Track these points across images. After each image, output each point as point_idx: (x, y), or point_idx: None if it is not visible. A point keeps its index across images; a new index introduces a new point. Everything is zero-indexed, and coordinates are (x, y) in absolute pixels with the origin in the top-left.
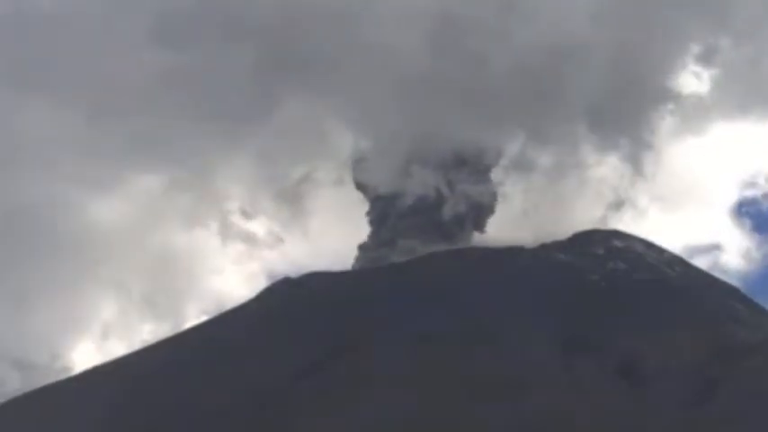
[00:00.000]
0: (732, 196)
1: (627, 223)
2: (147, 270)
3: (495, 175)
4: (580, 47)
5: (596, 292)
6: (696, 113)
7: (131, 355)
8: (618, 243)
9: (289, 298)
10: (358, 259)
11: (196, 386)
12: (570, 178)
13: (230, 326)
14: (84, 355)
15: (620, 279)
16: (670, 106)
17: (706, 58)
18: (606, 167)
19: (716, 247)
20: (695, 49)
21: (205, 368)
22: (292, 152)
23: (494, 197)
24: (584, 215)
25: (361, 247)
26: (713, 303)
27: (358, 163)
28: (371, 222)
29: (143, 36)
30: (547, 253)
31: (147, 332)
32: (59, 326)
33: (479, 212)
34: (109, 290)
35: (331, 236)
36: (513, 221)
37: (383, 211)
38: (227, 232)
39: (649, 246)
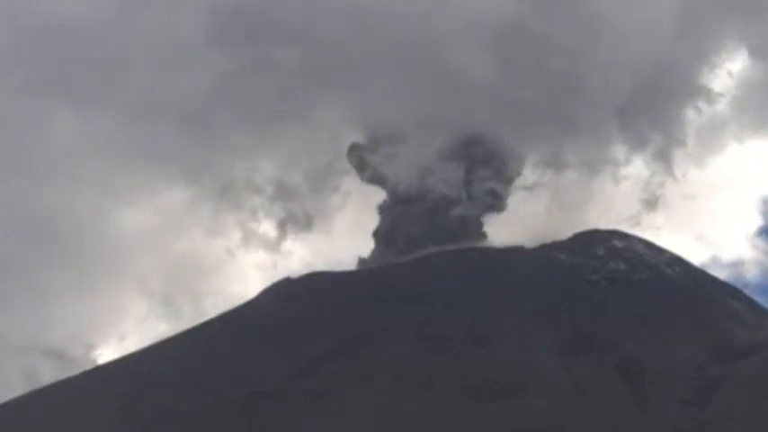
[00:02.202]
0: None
1: (645, 230)
2: (170, 274)
3: (524, 177)
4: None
5: (596, 292)
6: (725, 115)
7: (131, 355)
8: (618, 243)
9: (289, 298)
10: (366, 260)
11: (196, 386)
12: (601, 176)
13: (230, 326)
14: (112, 350)
15: (620, 279)
16: (701, 103)
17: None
18: (636, 166)
19: (739, 263)
20: (730, 46)
21: (205, 368)
22: (317, 157)
23: (505, 201)
24: (615, 215)
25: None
26: (713, 303)
27: (383, 159)
28: (383, 221)
29: (170, 49)
30: (547, 253)
31: (167, 332)
32: (90, 322)
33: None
34: (133, 291)
35: (356, 243)
36: (528, 222)
37: (396, 210)
38: (249, 238)
39: (649, 246)
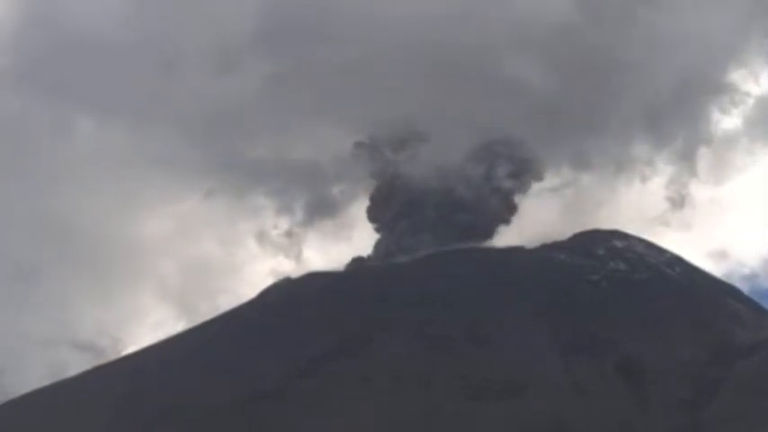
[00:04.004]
0: None
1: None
2: (189, 277)
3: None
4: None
5: (596, 292)
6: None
7: (131, 355)
8: (618, 243)
9: (289, 298)
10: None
11: (196, 385)
12: (625, 177)
13: (230, 326)
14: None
15: (620, 279)
16: (726, 102)
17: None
18: (660, 167)
19: (753, 277)
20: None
21: (205, 368)
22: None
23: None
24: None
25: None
26: (713, 303)
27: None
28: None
29: (185, 60)
30: (547, 253)
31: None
32: (112, 321)
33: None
34: (152, 293)
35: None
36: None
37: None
38: (264, 242)
39: (650, 246)
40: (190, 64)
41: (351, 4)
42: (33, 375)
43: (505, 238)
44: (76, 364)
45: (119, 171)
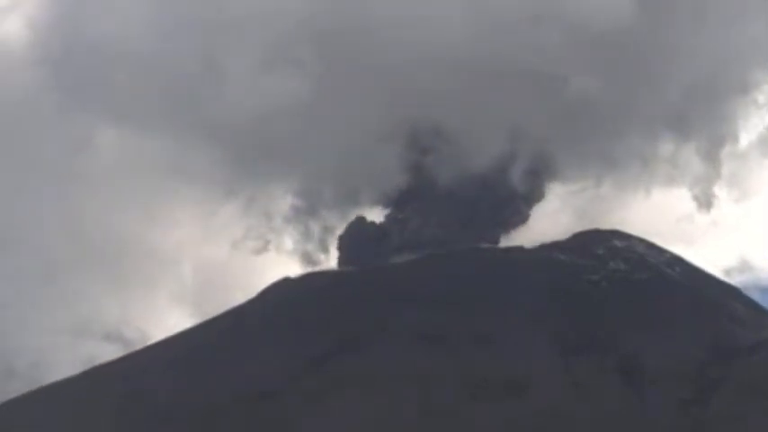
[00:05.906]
0: None
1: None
2: (202, 279)
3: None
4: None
5: (596, 292)
6: None
7: (133, 354)
8: (618, 243)
9: (289, 298)
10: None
11: (195, 385)
12: (651, 178)
13: (230, 326)
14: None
15: (620, 279)
16: (750, 103)
17: None
18: (685, 168)
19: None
20: None
21: (205, 368)
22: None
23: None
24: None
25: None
26: (713, 303)
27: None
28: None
29: (206, 67)
30: (547, 253)
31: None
32: (136, 313)
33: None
34: (171, 296)
35: None
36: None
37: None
38: (282, 247)
39: (650, 246)
40: (212, 72)
41: (383, 6)
42: (65, 368)
43: (510, 238)
44: (105, 355)
45: (142, 178)
